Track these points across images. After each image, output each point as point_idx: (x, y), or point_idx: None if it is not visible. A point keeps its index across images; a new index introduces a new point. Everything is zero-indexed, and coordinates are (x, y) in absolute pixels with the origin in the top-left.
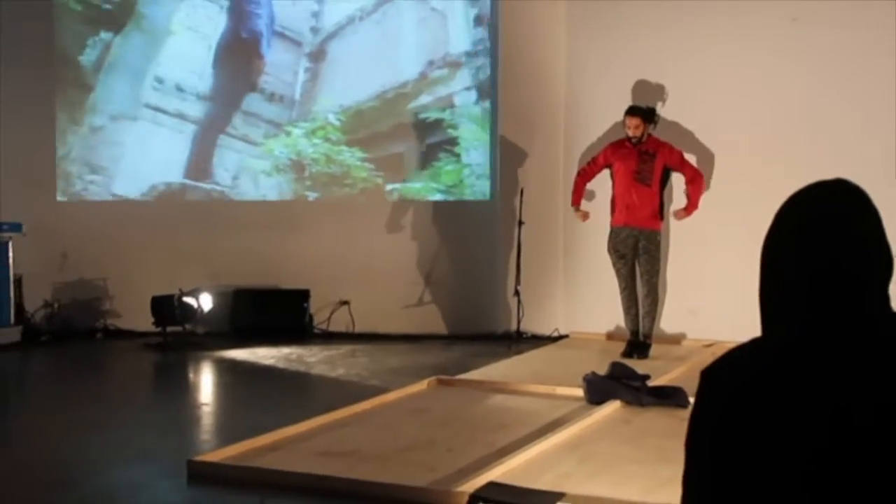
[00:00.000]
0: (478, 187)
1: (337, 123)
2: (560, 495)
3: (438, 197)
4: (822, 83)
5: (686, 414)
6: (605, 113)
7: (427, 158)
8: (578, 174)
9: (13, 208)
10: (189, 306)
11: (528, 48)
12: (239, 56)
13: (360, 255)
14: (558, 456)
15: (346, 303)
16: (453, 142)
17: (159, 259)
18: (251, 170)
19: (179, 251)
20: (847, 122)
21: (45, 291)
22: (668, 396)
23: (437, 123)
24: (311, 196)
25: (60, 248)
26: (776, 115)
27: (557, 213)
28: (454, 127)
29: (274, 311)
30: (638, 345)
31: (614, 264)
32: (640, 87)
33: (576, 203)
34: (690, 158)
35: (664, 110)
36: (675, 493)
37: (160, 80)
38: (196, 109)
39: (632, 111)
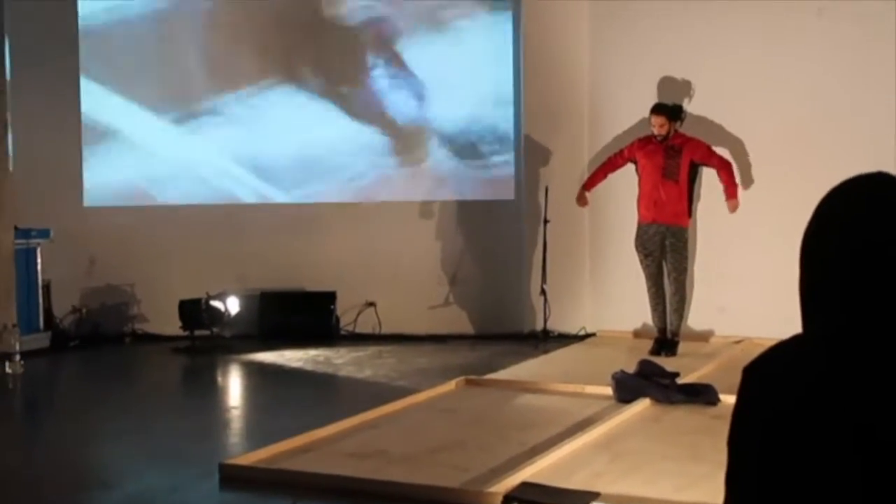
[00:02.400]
0: (502, 186)
1: None
2: (595, 494)
3: None
4: (851, 75)
5: (716, 411)
6: (630, 110)
7: None
8: (603, 163)
9: (41, 214)
10: (216, 310)
11: (550, 47)
12: None
13: (385, 257)
14: (589, 455)
15: (372, 304)
16: None
17: (186, 263)
18: None
19: (206, 255)
20: (877, 115)
21: (73, 297)
22: (698, 394)
23: None
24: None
25: (88, 254)
26: (805, 109)
27: (582, 211)
28: None
29: (301, 314)
30: (666, 342)
31: (641, 262)
32: (665, 83)
33: (588, 188)
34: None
35: (690, 106)
36: (709, 490)
37: None
38: None
39: (657, 109)
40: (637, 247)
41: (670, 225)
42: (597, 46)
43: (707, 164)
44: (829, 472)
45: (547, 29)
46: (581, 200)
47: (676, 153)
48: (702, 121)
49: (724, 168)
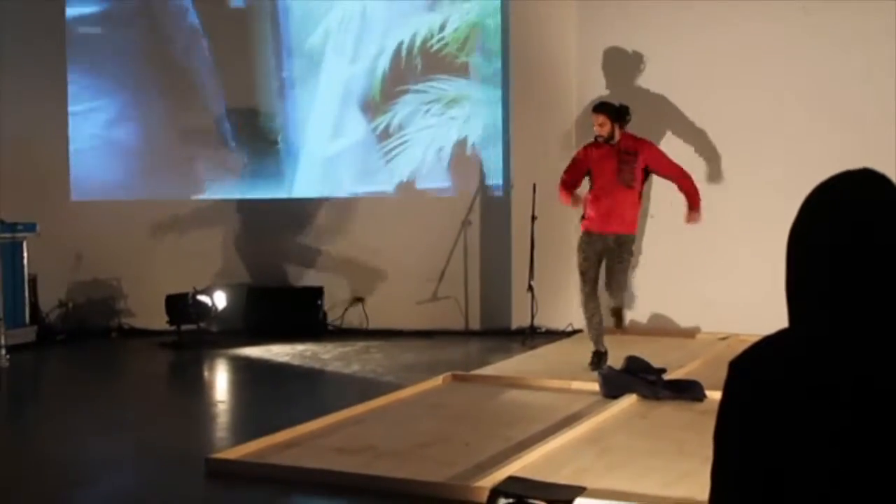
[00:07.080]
0: (491, 183)
1: None
2: (582, 489)
3: None
4: (838, 71)
5: (703, 407)
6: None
7: None
8: (562, 184)
9: (27, 208)
10: (203, 304)
11: (539, 42)
12: None
13: (372, 252)
14: (576, 450)
15: (359, 299)
16: None
17: (173, 258)
18: None
19: (193, 250)
20: (865, 110)
21: (59, 291)
22: (685, 390)
23: None
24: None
25: (74, 248)
26: (791, 105)
27: (570, 208)
28: None
29: (288, 309)
30: (603, 355)
31: (582, 264)
32: (650, 80)
33: (567, 201)
34: (702, 148)
35: (678, 101)
36: (694, 486)
37: None
38: None
39: (598, 108)
40: (580, 250)
41: (621, 233)
42: (584, 43)
43: (662, 174)
44: (811, 465)
45: (535, 26)
46: (574, 203)
47: (631, 158)
48: (689, 116)
49: (685, 178)
